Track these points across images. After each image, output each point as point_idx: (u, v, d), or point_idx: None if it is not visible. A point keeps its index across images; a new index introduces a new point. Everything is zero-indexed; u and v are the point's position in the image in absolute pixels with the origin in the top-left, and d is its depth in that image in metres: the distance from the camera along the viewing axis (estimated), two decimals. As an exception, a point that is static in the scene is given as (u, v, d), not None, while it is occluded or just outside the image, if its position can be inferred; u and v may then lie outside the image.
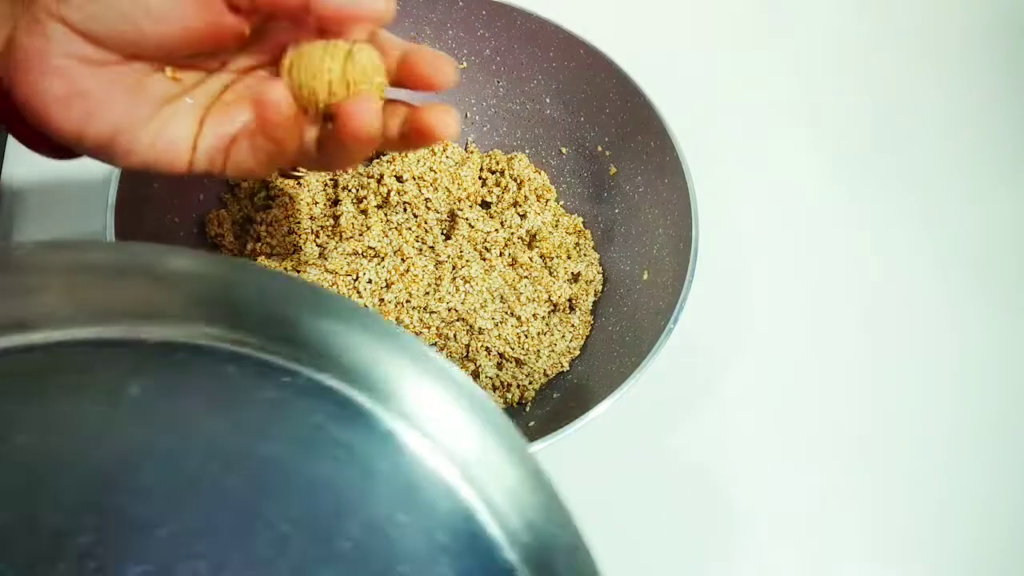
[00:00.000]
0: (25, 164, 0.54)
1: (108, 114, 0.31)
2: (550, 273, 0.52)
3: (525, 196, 0.53)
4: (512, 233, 0.52)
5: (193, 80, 0.34)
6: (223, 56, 0.34)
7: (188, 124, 0.33)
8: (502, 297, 0.50)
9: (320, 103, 0.32)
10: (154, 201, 0.48)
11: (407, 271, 0.49)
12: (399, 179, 0.51)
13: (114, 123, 0.32)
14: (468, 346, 0.49)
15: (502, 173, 0.54)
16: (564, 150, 0.56)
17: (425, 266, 0.50)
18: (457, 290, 0.49)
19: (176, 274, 0.25)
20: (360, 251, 0.49)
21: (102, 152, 0.32)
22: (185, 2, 0.30)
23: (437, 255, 0.50)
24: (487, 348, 0.49)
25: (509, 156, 0.55)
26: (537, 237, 0.52)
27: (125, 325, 0.25)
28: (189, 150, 0.33)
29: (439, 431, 0.26)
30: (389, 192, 0.51)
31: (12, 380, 0.25)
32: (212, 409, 0.26)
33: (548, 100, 0.56)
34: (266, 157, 0.33)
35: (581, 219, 0.55)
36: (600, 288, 0.53)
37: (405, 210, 0.51)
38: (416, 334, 0.48)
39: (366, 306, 0.48)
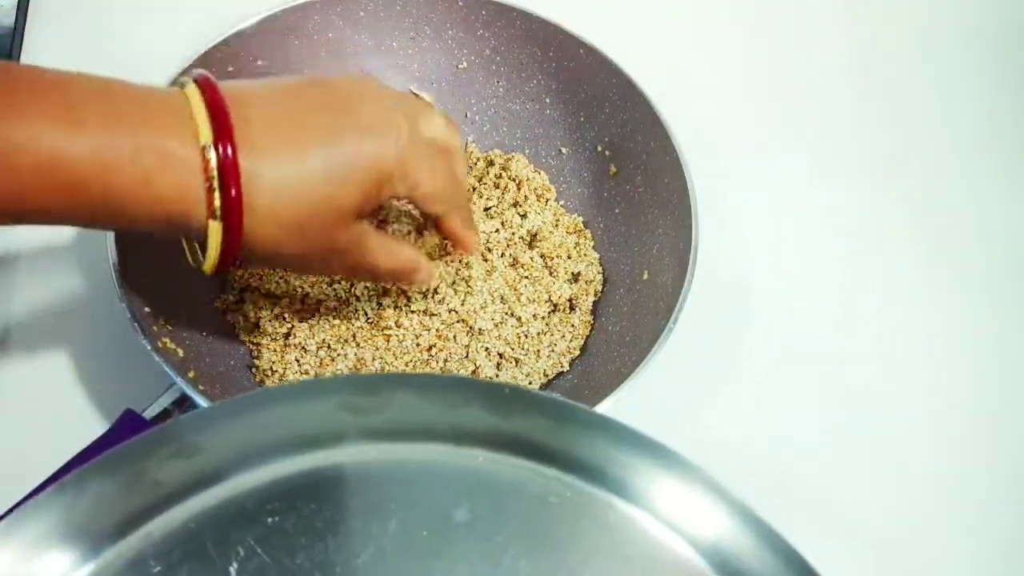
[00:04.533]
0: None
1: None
2: (550, 273, 0.52)
3: (525, 196, 0.53)
4: (513, 233, 0.52)
5: None
6: None
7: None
8: (502, 298, 0.50)
9: None
10: (154, 201, 0.48)
11: None
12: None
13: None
14: (468, 347, 0.49)
15: (500, 175, 0.54)
16: (564, 150, 0.56)
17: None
18: (456, 292, 0.49)
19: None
20: None
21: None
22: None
23: (430, 255, 0.50)
24: (486, 348, 0.49)
25: (507, 156, 0.55)
26: (537, 237, 0.52)
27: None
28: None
29: (682, 520, 0.30)
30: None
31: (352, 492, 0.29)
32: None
33: (548, 100, 0.56)
34: None
35: (581, 219, 0.54)
36: (600, 288, 0.53)
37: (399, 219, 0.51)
38: (415, 336, 0.48)
39: (364, 310, 0.48)
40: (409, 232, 0.47)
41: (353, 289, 0.48)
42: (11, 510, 0.38)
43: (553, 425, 0.30)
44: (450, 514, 0.28)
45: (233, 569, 0.27)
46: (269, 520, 0.28)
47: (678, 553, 0.29)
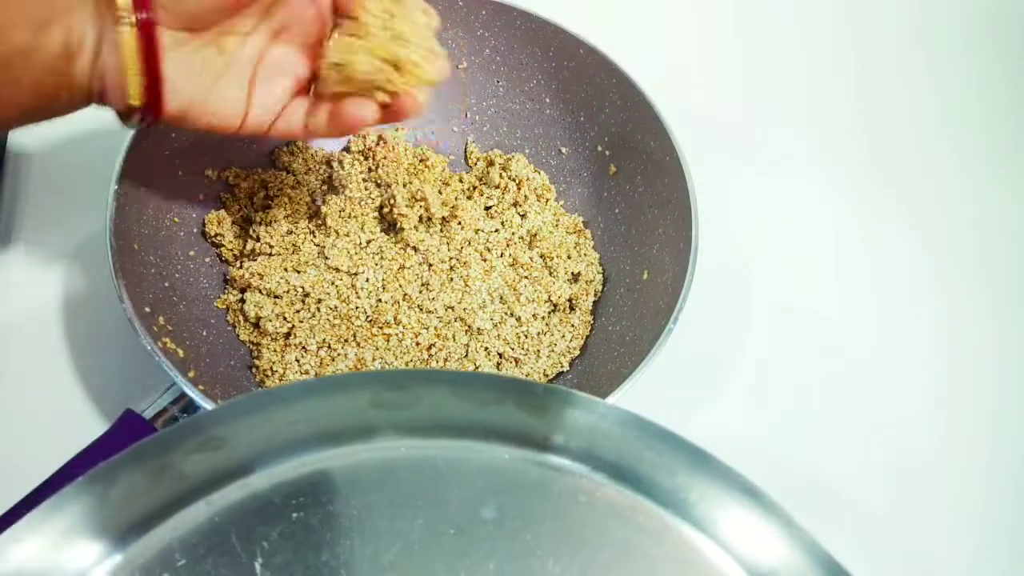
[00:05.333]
0: (30, 160, 0.54)
1: (182, 91, 0.38)
2: (550, 273, 0.52)
3: (525, 196, 0.53)
4: (513, 233, 0.52)
5: (234, 47, 0.40)
6: (252, 21, 0.40)
7: (240, 91, 0.40)
8: (502, 298, 0.50)
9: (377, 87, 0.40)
10: (154, 200, 0.48)
11: (401, 267, 0.49)
12: (378, 184, 0.52)
13: (187, 98, 0.39)
14: (467, 346, 0.49)
15: (500, 175, 0.54)
16: (564, 150, 0.56)
17: (420, 264, 0.50)
18: (454, 289, 0.49)
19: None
20: (352, 251, 0.50)
21: (175, 121, 0.40)
22: None
23: (427, 254, 0.50)
24: (486, 348, 0.49)
25: (507, 156, 0.55)
26: (537, 237, 0.52)
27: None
28: (242, 113, 0.41)
29: (711, 522, 0.29)
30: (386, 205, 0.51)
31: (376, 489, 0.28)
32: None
33: (548, 100, 0.56)
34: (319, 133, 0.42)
35: (581, 219, 0.55)
36: (600, 288, 0.53)
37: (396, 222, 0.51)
38: (415, 334, 0.48)
39: (364, 309, 0.48)
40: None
41: (354, 283, 0.48)
42: (11, 510, 0.38)
43: (584, 424, 0.30)
44: (477, 512, 0.28)
45: (258, 564, 0.27)
46: (295, 515, 0.28)
47: (706, 555, 0.29)
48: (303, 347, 0.47)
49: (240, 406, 0.28)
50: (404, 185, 0.52)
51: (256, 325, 0.48)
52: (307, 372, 0.47)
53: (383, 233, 0.51)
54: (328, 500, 0.28)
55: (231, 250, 0.51)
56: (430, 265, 0.50)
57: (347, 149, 0.54)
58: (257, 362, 0.48)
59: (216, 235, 0.50)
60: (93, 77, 0.36)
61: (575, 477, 0.29)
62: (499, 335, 0.49)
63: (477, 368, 0.48)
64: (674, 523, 0.29)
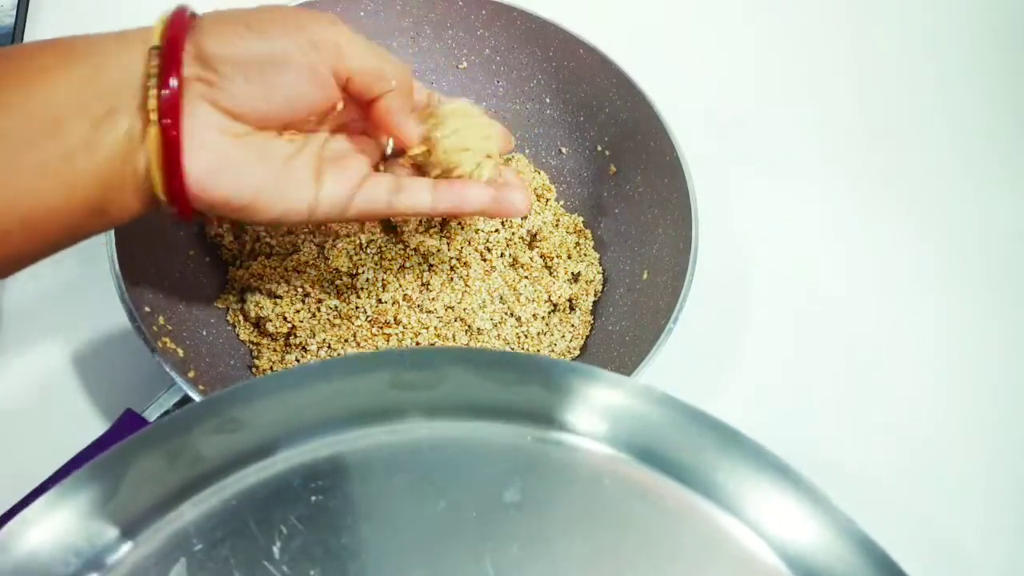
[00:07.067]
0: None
1: (249, 178, 0.36)
2: (550, 273, 0.52)
3: (525, 196, 0.53)
4: (513, 233, 0.52)
5: (301, 140, 0.39)
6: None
7: (308, 180, 0.38)
8: (502, 298, 0.50)
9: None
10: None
11: (401, 267, 0.49)
12: None
13: (254, 186, 0.37)
14: (467, 346, 0.49)
15: (500, 174, 0.54)
16: (564, 150, 0.56)
17: (420, 264, 0.50)
18: (454, 289, 0.49)
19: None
20: (352, 251, 0.50)
21: (241, 212, 0.37)
22: (311, 86, 0.37)
23: (427, 254, 0.50)
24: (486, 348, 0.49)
25: (508, 156, 0.55)
26: (537, 237, 0.52)
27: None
28: (311, 203, 0.38)
29: (742, 504, 0.29)
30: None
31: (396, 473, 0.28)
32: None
33: (548, 100, 0.56)
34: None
35: (581, 219, 0.55)
36: (600, 288, 0.53)
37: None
38: (415, 334, 0.48)
39: (364, 309, 0.48)
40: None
41: (354, 282, 0.49)
42: (11, 511, 0.38)
43: (609, 404, 0.29)
44: (500, 494, 0.27)
45: (276, 548, 0.26)
46: (314, 499, 0.27)
47: (735, 536, 0.28)
48: (303, 347, 0.47)
49: (259, 387, 0.28)
50: None
51: (256, 325, 0.48)
52: (307, 372, 0.47)
53: (383, 233, 0.51)
54: (348, 483, 0.27)
55: (231, 250, 0.51)
56: (430, 265, 0.50)
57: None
58: (257, 362, 0.48)
59: (216, 235, 0.51)
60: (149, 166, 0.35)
61: (600, 458, 0.29)
62: (499, 335, 0.49)
63: (477, 368, 0.48)
64: (702, 504, 0.29)
